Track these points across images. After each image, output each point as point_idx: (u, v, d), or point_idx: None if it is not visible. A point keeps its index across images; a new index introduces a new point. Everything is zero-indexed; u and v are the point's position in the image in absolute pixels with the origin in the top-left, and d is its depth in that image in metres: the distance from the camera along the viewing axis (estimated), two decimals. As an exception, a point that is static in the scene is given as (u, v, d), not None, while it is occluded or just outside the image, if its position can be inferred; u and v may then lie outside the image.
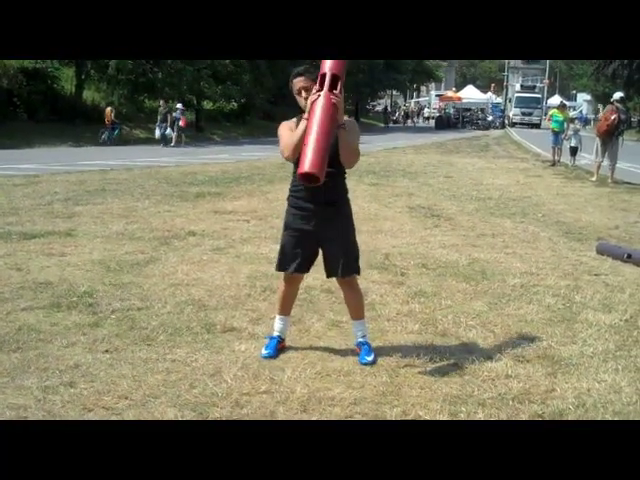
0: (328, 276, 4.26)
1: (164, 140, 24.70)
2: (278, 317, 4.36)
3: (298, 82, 3.92)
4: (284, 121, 4.12)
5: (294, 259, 4.11)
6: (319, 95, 3.67)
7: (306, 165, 3.58)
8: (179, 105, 26.74)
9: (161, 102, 26.35)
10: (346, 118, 3.96)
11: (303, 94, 3.89)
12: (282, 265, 4.19)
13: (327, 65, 3.73)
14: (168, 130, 24.80)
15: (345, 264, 4.11)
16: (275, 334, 4.32)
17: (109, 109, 25.32)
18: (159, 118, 25.17)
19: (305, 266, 4.16)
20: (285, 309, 4.35)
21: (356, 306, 4.31)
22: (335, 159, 3.85)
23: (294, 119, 4.04)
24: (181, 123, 25.62)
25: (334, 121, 3.72)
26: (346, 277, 4.18)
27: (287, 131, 3.99)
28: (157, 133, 25.07)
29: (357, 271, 4.21)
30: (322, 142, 3.62)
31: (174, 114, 25.49)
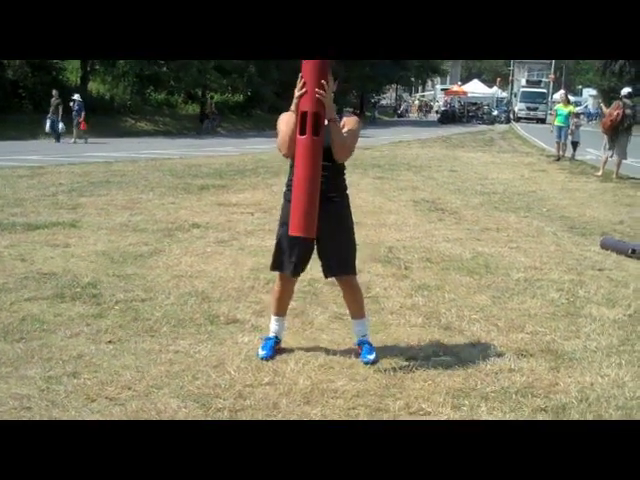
0: (325, 276, 4.15)
1: (55, 134, 21.91)
2: (274, 318, 4.21)
3: None
4: (284, 113, 3.95)
5: (289, 259, 4.00)
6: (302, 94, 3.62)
7: (295, 228, 3.70)
8: (76, 96, 22.88)
9: (54, 92, 22.94)
10: (348, 115, 3.93)
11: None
12: (277, 264, 4.08)
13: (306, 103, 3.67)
14: (61, 125, 21.88)
15: (339, 263, 4.02)
16: (271, 335, 4.19)
17: (210, 100, 23.96)
18: (50, 110, 22.10)
19: (300, 267, 4.05)
20: (281, 309, 4.21)
21: (355, 305, 4.18)
22: (331, 153, 3.79)
23: (292, 108, 3.85)
24: (80, 119, 22.14)
25: (319, 162, 3.71)
26: (342, 276, 4.09)
27: (284, 125, 3.85)
28: (47, 126, 22.04)
29: (352, 271, 4.09)
30: (308, 202, 3.67)
31: (71, 105, 22.19)
